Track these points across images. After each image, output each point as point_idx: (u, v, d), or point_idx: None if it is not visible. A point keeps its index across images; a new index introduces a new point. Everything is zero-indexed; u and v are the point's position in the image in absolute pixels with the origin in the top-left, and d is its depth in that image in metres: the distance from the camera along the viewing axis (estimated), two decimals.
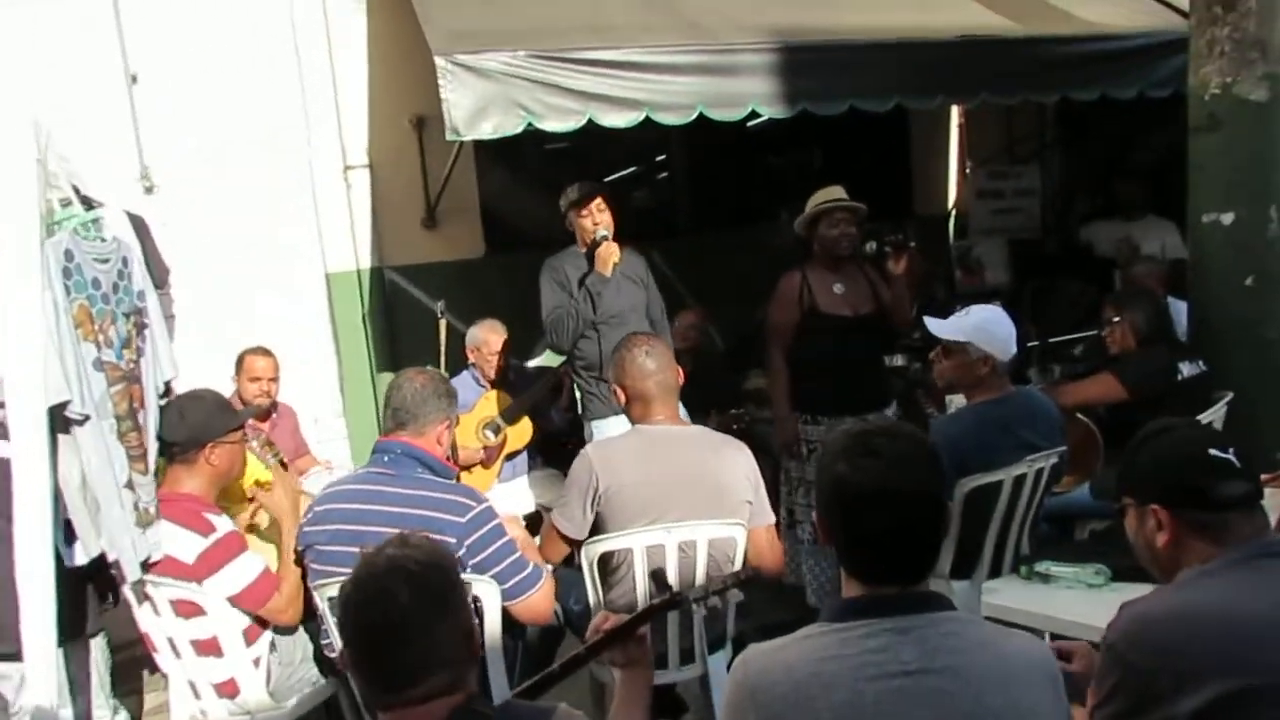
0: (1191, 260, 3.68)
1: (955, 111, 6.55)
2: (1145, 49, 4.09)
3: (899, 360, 4.72)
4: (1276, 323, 3.53)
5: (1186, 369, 3.48)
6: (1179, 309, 3.83)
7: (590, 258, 3.84)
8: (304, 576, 2.75)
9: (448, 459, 2.75)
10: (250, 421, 3.60)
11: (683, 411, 3.92)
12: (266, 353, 4.08)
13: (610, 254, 3.83)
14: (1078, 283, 5.64)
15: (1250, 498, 1.67)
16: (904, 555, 1.53)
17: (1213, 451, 1.67)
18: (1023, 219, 6.39)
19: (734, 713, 1.50)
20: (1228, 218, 3.47)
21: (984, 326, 3.16)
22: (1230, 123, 3.42)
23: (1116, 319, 3.66)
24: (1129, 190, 5.78)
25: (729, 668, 2.80)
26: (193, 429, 2.77)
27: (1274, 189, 3.46)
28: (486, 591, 2.52)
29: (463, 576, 1.66)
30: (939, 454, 1.60)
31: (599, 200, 3.90)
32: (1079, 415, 3.52)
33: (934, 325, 3.25)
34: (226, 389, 4.06)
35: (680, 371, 2.93)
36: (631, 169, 6.27)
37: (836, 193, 3.98)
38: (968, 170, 6.51)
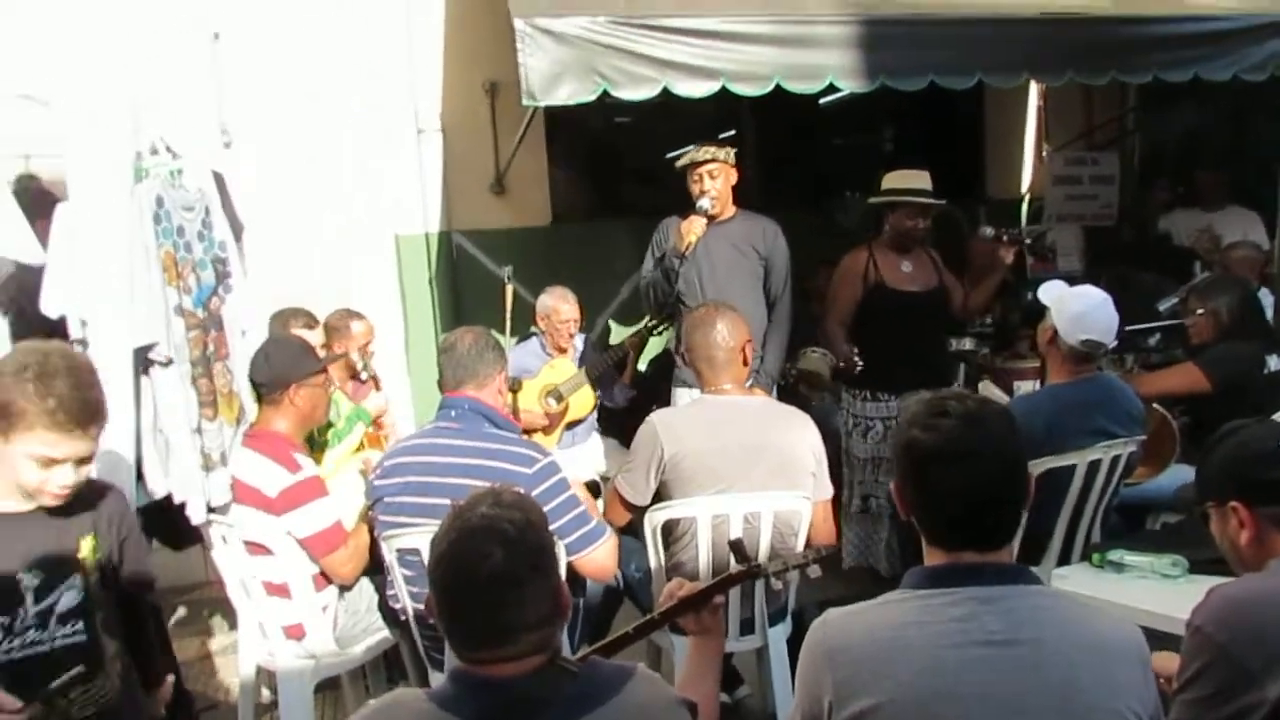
0: None
1: (1034, 94, 6.39)
2: (1241, 31, 3.90)
3: (968, 344, 4.64)
4: None
5: (1275, 363, 3.36)
6: (1267, 301, 3.70)
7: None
8: (371, 530, 2.80)
9: (511, 416, 2.78)
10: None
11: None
12: (362, 316, 4.03)
13: (687, 230, 3.80)
14: (1153, 274, 5.48)
15: None
16: (979, 516, 1.50)
17: None
18: (1099, 206, 6.20)
19: (810, 674, 1.49)
20: None
21: (1064, 299, 3.11)
22: None
23: (1200, 310, 3.55)
24: (1211, 180, 5.57)
25: (789, 641, 2.82)
26: (276, 370, 2.84)
27: None
28: None
29: None
30: (1013, 417, 1.56)
31: (710, 167, 3.87)
32: (1155, 405, 3.43)
33: (1047, 284, 3.25)
34: None
35: (752, 343, 2.91)
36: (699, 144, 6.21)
37: (920, 181, 3.92)
38: (1045, 154, 6.35)
